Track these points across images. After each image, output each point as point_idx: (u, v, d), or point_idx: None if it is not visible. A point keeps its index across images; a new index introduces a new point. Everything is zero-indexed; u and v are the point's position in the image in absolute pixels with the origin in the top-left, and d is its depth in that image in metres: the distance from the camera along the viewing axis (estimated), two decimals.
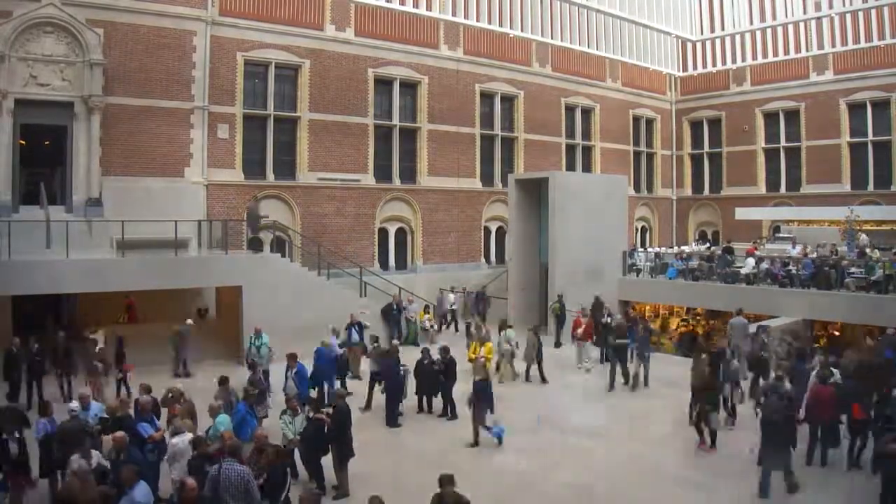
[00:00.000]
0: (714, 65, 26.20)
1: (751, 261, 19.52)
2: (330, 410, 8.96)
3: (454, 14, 20.14)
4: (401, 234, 23.66)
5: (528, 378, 14.69)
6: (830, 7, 21.64)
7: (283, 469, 7.19)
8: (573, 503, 8.73)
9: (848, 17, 22.08)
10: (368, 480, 8.93)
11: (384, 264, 22.97)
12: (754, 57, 24.92)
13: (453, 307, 21.42)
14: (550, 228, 20.34)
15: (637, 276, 21.98)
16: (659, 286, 21.23)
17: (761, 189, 29.23)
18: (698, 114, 31.72)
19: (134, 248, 14.97)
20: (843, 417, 9.70)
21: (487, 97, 25.70)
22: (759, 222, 28.00)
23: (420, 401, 12.41)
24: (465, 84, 24.74)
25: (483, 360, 12.90)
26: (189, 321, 15.02)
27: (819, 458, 9.65)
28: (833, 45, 23.01)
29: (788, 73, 27.48)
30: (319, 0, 21.35)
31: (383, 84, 22.94)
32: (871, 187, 25.86)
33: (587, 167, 29.10)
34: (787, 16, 22.66)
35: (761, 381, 11.83)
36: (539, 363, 14.67)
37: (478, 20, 20.45)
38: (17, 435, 7.80)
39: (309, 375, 11.57)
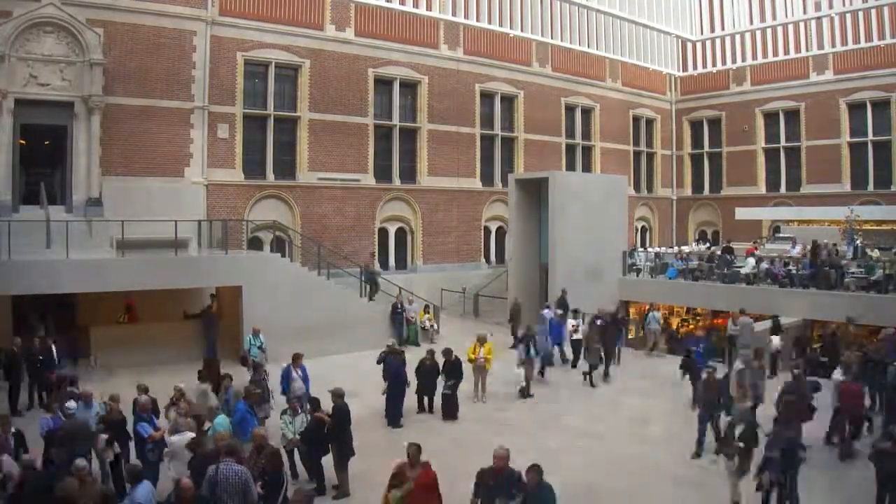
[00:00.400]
0: (714, 65, 26.18)
1: (751, 261, 19.52)
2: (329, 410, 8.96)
3: (454, 14, 20.12)
4: (401, 233, 23.66)
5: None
6: (830, 7, 21.62)
7: (279, 471, 7.18)
8: (572, 502, 8.72)
9: (848, 17, 22.07)
10: (369, 480, 8.93)
11: (384, 264, 22.97)
12: (754, 57, 24.90)
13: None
14: (550, 228, 20.34)
15: (637, 276, 21.98)
16: (659, 286, 21.23)
17: (761, 189, 29.23)
18: (698, 114, 31.73)
19: (134, 248, 14.94)
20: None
21: (487, 97, 25.70)
22: (759, 222, 28.02)
23: (420, 401, 12.41)
24: (465, 84, 24.74)
25: (483, 360, 12.94)
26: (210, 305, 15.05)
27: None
28: (833, 45, 22.99)
29: (788, 73, 27.49)
30: (319, 0, 21.36)
31: (383, 84, 22.94)
32: (871, 187, 25.87)
33: (587, 167, 29.10)
34: (787, 16, 22.64)
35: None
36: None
37: (478, 20, 20.44)
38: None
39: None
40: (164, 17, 18.24)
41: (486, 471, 6.68)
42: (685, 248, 24.68)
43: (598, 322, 15.37)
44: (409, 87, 23.65)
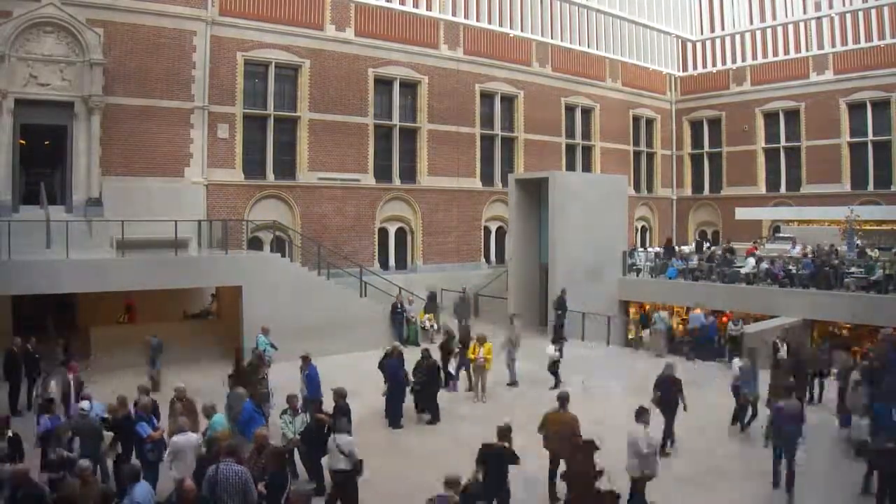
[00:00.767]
0: (714, 65, 26.18)
1: (751, 261, 19.52)
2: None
3: (454, 14, 20.12)
4: (401, 233, 23.66)
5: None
6: (830, 7, 21.62)
7: (282, 472, 7.18)
8: None
9: (848, 17, 22.07)
10: (368, 480, 8.93)
11: (384, 264, 22.97)
12: (754, 57, 24.91)
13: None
14: (550, 228, 20.34)
15: (637, 275, 21.98)
16: (659, 286, 21.23)
17: (761, 189, 29.23)
18: (698, 114, 31.73)
19: (134, 248, 14.94)
20: None
21: (487, 97, 25.70)
22: (759, 222, 28.02)
23: (417, 401, 12.38)
24: (465, 84, 24.74)
25: (483, 360, 12.94)
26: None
27: None
28: (833, 45, 23.00)
29: (788, 73, 27.48)
30: (319, 0, 21.36)
31: (383, 84, 22.94)
32: (871, 187, 25.86)
33: (587, 167, 29.09)
34: (787, 16, 22.64)
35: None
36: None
37: (478, 20, 20.44)
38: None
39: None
40: (164, 17, 18.24)
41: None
42: (685, 248, 24.67)
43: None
44: (409, 87, 23.65)
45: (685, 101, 32.17)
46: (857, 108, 26.37)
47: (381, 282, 19.75)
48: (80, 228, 15.85)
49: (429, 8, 19.66)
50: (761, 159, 29.29)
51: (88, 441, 7.94)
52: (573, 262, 20.10)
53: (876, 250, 19.08)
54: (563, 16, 21.85)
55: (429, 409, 11.89)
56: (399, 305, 18.31)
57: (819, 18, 22.45)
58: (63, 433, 7.86)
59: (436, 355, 12.91)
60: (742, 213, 27.66)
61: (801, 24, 23.10)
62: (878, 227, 22.40)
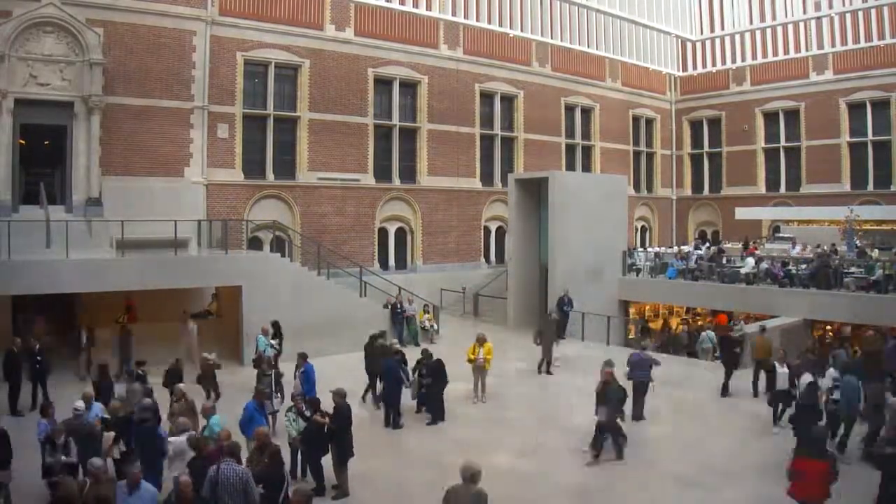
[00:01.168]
0: (714, 65, 26.17)
1: (750, 260, 19.53)
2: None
3: (454, 14, 20.10)
4: (401, 233, 23.66)
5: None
6: (830, 7, 21.60)
7: (280, 471, 7.18)
8: (573, 502, 8.73)
9: (848, 17, 22.05)
10: (369, 480, 8.95)
11: (384, 264, 22.98)
12: (754, 57, 24.89)
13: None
14: (550, 228, 20.33)
15: (637, 275, 21.98)
16: (659, 286, 21.23)
17: (761, 189, 29.25)
18: (698, 114, 31.74)
19: (134, 248, 14.94)
20: None
21: (487, 97, 25.71)
22: (759, 222, 28.03)
23: (420, 402, 12.38)
24: (464, 84, 24.75)
25: (482, 360, 12.93)
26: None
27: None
28: (833, 45, 22.97)
29: (788, 72, 27.50)
30: (319, 0, 21.36)
31: (383, 84, 22.94)
32: (870, 187, 25.88)
33: (587, 167, 29.10)
34: (787, 16, 22.62)
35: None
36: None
37: (478, 20, 20.42)
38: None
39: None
40: (165, 17, 18.24)
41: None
42: (684, 248, 24.67)
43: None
44: (409, 87, 23.65)
45: (685, 101, 32.19)
46: (856, 108, 26.39)
47: (381, 282, 19.75)
48: (80, 228, 15.84)
49: (429, 8, 19.65)
50: (761, 159, 29.30)
51: (84, 442, 7.93)
52: (573, 262, 20.10)
53: (876, 250, 19.08)
54: (562, 16, 21.84)
55: (433, 409, 11.87)
56: (399, 305, 18.30)
57: (819, 18, 22.43)
58: (57, 436, 7.83)
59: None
60: (742, 213, 27.68)
61: (801, 24, 23.09)
62: (878, 227, 22.41)
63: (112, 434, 8.25)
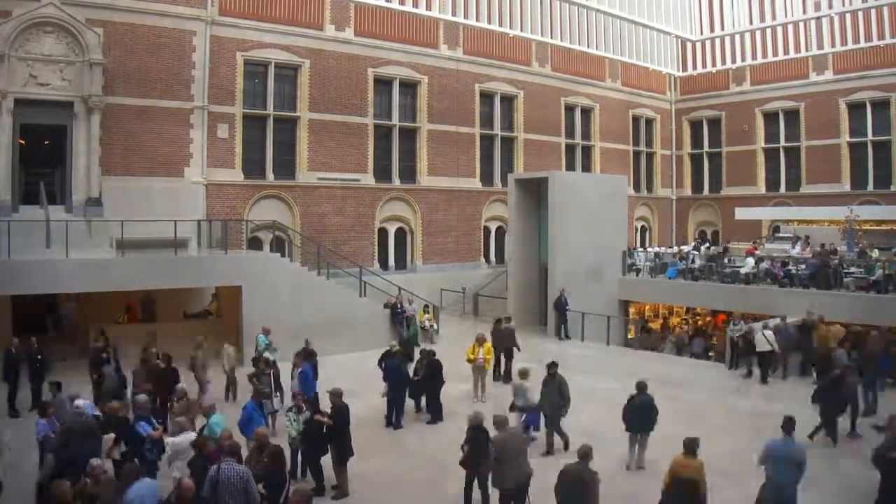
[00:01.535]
0: (714, 65, 26.17)
1: (749, 260, 19.54)
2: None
3: (454, 14, 20.10)
4: (400, 233, 23.66)
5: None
6: (830, 7, 21.61)
7: (281, 471, 7.18)
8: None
9: (848, 17, 22.06)
10: (369, 480, 8.95)
11: (384, 264, 22.98)
12: (754, 57, 24.90)
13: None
14: (550, 228, 20.33)
15: (637, 276, 21.99)
16: (659, 286, 21.23)
17: (761, 189, 29.25)
18: (698, 114, 31.74)
19: (133, 248, 14.94)
20: None
21: (487, 97, 25.71)
22: (759, 222, 28.01)
23: (418, 401, 12.38)
24: (464, 84, 24.75)
25: (482, 360, 12.93)
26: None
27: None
28: (833, 45, 22.98)
29: (788, 73, 27.50)
30: (319, 0, 21.36)
31: (383, 84, 22.94)
32: (870, 187, 25.88)
33: (587, 167, 29.10)
34: (787, 16, 22.63)
35: None
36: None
37: (477, 20, 20.42)
38: None
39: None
40: (164, 17, 18.24)
41: None
42: (684, 248, 24.67)
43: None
44: (409, 87, 23.65)
45: (685, 101, 32.19)
46: (856, 108, 26.39)
47: (381, 282, 19.75)
48: (80, 228, 15.84)
49: (429, 8, 19.65)
50: (761, 159, 29.30)
51: (85, 440, 7.92)
52: (573, 262, 20.10)
53: (875, 250, 19.07)
54: (562, 16, 21.84)
55: (431, 408, 11.87)
56: (399, 305, 18.29)
57: (819, 18, 22.44)
58: (53, 439, 7.79)
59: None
60: (742, 213, 27.65)
61: (801, 24, 23.09)
62: (878, 227, 22.39)
63: (112, 435, 8.25)
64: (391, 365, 11.83)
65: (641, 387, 9.78)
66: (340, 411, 8.74)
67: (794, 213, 26.72)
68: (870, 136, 25.99)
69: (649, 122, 32.08)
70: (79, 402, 8.52)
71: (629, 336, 20.76)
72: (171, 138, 18.53)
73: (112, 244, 15.08)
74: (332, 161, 21.57)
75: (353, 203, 22.03)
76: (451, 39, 24.30)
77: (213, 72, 19.26)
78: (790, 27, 23.40)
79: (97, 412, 8.71)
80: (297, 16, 20.89)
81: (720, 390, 13.95)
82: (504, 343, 14.60)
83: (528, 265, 21.62)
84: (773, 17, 22.96)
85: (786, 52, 23.99)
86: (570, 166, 28.19)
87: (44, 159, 17.65)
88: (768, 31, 23.93)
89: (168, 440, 7.97)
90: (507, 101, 26.43)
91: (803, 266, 18.44)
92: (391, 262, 23.32)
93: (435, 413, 11.82)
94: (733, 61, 25.70)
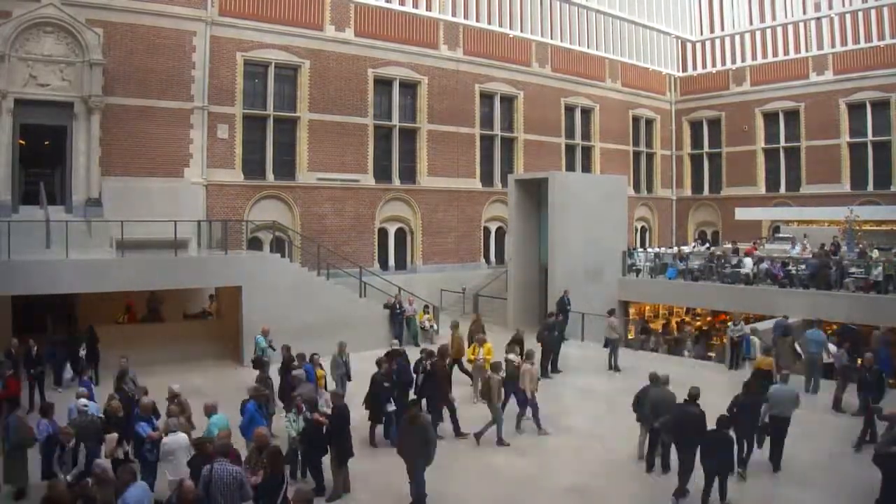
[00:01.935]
0: (714, 65, 26.20)
1: (748, 261, 19.55)
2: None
3: (454, 14, 20.11)
4: (400, 234, 23.66)
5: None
6: (830, 7, 21.62)
7: (279, 471, 7.17)
8: (572, 502, 8.72)
9: (848, 17, 22.07)
10: (368, 480, 8.95)
11: (384, 264, 22.98)
12: (754, 57, 24.92)
13: None
14: (550, 228, 20.32)
15: (637, 276, 21.98)
16: (659, 286, 21.22)
17: (761, 189, 29.26)
18: (698, 114, 31.75)
19: (133, 248, 14.94)
20: None
21: (487, 97, 25.71)
22: (759, 222, 28.02)
23: (418, 402, 12.35)
24: (464, 84, 24.75)
25: (483, 360, 12.92)
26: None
27: None
28: (833, 46, 23.00)
29: (788, 73, 27.51)
30: (319, 0, 21.36)
31: (383, 84, 22.95)
32: (870, 187, 25.89)
33: (587, 167, 29.11)
34: (787, 16, 22.65)
35: None
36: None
37: (477, 20, 20.43)
38: None
39: None
40: (164, 17, 18.25)
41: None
42: (685, 248, 24.68)
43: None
44: (409, 88, 23.65)
45: (685, 101, 32.20)
46: (856, 109, 26.40)
47: (381, 282, 19.74)
48: (80, 228, 15.86)
49: (428, 8, 19.65)
50: (761, 159, 29.31)
51: (91, 440, 7.92)
52: (573, 262, 20.09)
53: (875, 250, 19.08)
54: (562, 16, 21.85)
55: (432, 409, 11.83)
56: (399, 305, 18.28)
57: (819, 19, 22.46)
58: (66, 439, 7.75)
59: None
60: (742, 214, 27.68)
61: (801, 25, 23.11)
62: (878, 228, 22.40)
63: (115, 435, 8.25)
64: (398, 366, 11.79)
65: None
66: (341, 412, 8.73)
67: (794, 214, 26.76)
68: (870, 137, 26.00)
69: (649, 122, 32.09)
70: (81, 401, 8.50)
71: (629, 336, 20.74)
72: (171, 139, 18.53)
73: (112, 244, 15.09)
74: (331, 161, 21.56)
75: (353, 203, 22.03)
76: (451, 40, 24.31)
77: (213, 72, 19.26)
78: (790, 27, 23.42)
79: (101, 413, 8.70)
80: (296, 16, 20.89)
81: (721, 391, 13.93)
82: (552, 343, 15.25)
83: (528, 265, 21.61)
84: (773, 18, 22.98)
85: (786, 52, 24.02)
86: (570, 167, 28.19)
87: (44, 159, 17.65)
88: (768, 31, 23.95)
89: (163, 441, 7.96)
90: (507, 101, 26.44)
91: (803, 266, 18.43)
92: (391, 262, 23.32)
93: (434, 414, 11.79)
94: (733, 62, 25.72)
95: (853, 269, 17.68)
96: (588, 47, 22.95)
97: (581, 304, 19.03)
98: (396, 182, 23.22)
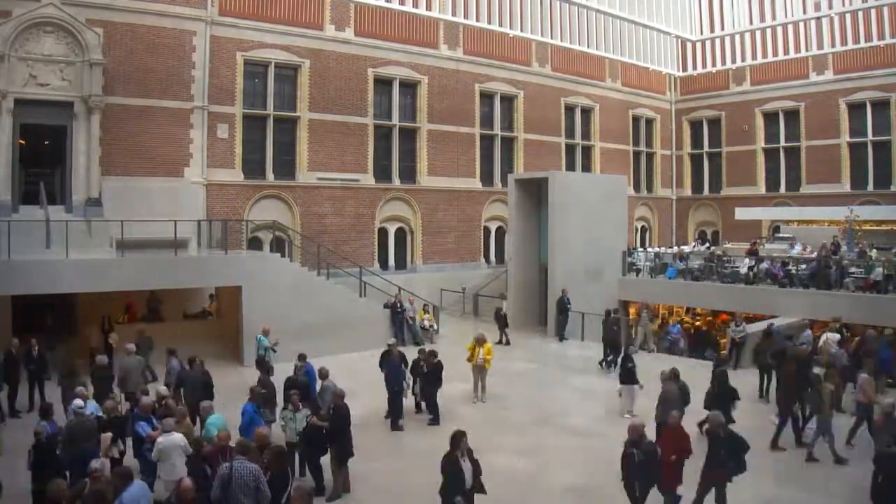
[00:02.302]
0: (714, 65, 26.16)
1: (746, 261, 19.56)
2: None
3: (454, 14, 20.09)
4: (400, 233, 23.66)
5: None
6: (830, 7, 21.60)
7: (284, 471, 7.18)
8: (572, 502, 8.73)
9: (848, 17, 22.05)
10: (368, 480, 8.95)
11: (384, 264, 22.98)
12: (754, 57, 24.89)
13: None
14: (550, 228, 20.33)
15: (637, 276, 21.98)
16: (659, 286, 21.23)
17: (761, 189, 29.26)
18: (698, 114, 31.75)
19: (133, 248, 14.94)
20: None
21: (487, 97, 25.71)
22: (759, 222, 28.02)
23: (418, 401, 12.38)
24: (464, 84, 24.75)
25: (482, 360, 12.93)
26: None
27: None
28: (833, 45, 22.97)
29: (788, 73, 27.51)
30: (319, 0, 21.35)
31: (383, 84, 22.94)
32: (870, 187, 25.88)
33: (587, 167, 29.11)
34: (787, 16, 22.62)
35: None
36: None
37: (477, 20, 20.41)
38: None
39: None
40: (164, 17, 18.25)
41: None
42: (685, 248, 24.67)
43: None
44: (409, 87, 23.65)
45: (685, 101, 32.19)
46: (856, 108, 26.40)
47: (381, 282, 19.74)
48: (80, 228, 15.85)
49: (429, 8, 19.64)
50: (761, 159, 29.31)
51: (86, 441, 7.92)
52: (573, 262, 20.09)
53: (875, 250, 19.08)
54: (562, 16, 21.83)
55: (429, 409, 11.86)
56: (399, 305, 18.28)
57: (819, 18, 22.43)
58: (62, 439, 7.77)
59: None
60: (742, 213, 27.67)
61: (801, 24, 23.08)
62: (878, 228, 22.39)
63: (110, 434, 8.25)
64: (391, 365, 11.80)
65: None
66: (341, 412, 8.73)
67: (794, 214, 26.75)
68: (870, 137, 26.00)
69: (649, 122, 32.09)
70: (77, 402, 8.49)
71: (632, 336, 20.72)
72: (171, 138, 18.53)
73: (112, 244, 15.08)
74: (331, 161, 21.57)
75: (353, 203, 22.03)
76: (451, 39, 24.30)
77: (213, 72, 19.26)
78: (790, 27, 23.40)
79: (101, 413, 8.70)
80: (296, 16, 20.89)
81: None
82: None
83: (528, 265, 21.61)
84: (773, 17, 22.95)
85: (786, 52, 23.98)
86: (570, 166, 28.19)
87: (44, 159, 17.65)
88: (768, 31, 23.92)
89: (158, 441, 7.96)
90: (507, 101, 26.43)
91: (803, 266, 18.44)
92: (391, 262, 23.32)
93: (434, 414, 11.81)
94: (733, 61, 25.69)
95: (853, 269, 17.68)
96: (588, 47, 22.93)
97: (581, 304, 19.05)
98: (396, 182, 23.22)
